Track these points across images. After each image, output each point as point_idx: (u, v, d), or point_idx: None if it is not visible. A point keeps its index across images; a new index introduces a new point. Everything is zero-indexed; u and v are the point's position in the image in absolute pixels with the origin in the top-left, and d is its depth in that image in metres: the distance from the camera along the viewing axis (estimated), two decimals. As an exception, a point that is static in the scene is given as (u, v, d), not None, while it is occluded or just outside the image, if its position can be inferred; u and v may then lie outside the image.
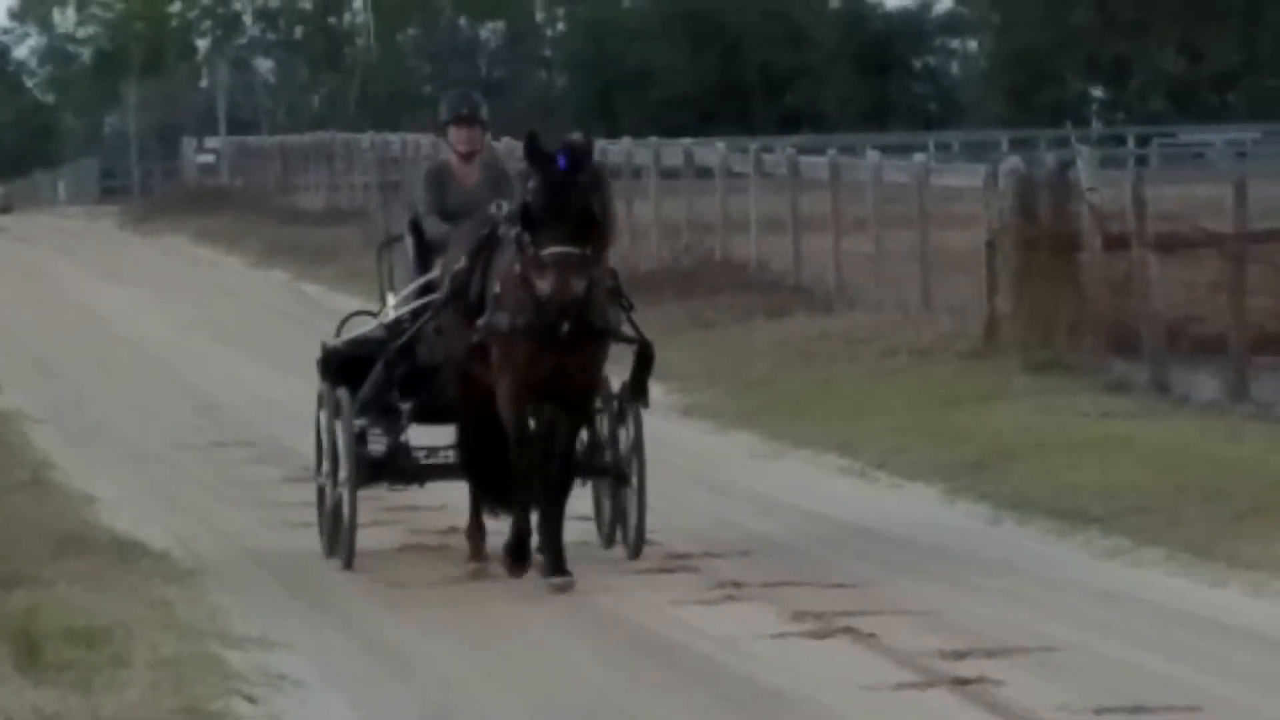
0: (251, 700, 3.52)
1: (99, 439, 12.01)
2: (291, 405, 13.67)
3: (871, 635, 4.55)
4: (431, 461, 6.14)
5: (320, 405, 6.17)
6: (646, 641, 4.61)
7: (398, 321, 5.92)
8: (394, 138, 36.25)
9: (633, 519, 5.67)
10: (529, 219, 4.69)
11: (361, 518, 6.14)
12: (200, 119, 58.90)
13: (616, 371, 5.84)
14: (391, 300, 6.12)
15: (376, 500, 6.66)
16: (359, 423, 5.79)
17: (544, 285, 4.58)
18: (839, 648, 4.43)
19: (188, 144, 50.73)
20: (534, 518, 5.25)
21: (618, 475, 5.75)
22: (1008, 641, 4.32)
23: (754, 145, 22.28)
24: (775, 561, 6.09)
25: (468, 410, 5.52)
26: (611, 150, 20.97)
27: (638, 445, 5.69)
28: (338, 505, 5.80)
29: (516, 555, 5.20)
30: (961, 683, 3.67)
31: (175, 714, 3.01)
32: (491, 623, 5.05)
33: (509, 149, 16.14)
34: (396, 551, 6.58)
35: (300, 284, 26.41)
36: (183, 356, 18.24)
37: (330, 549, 5.96)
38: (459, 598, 5.46)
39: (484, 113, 5.87)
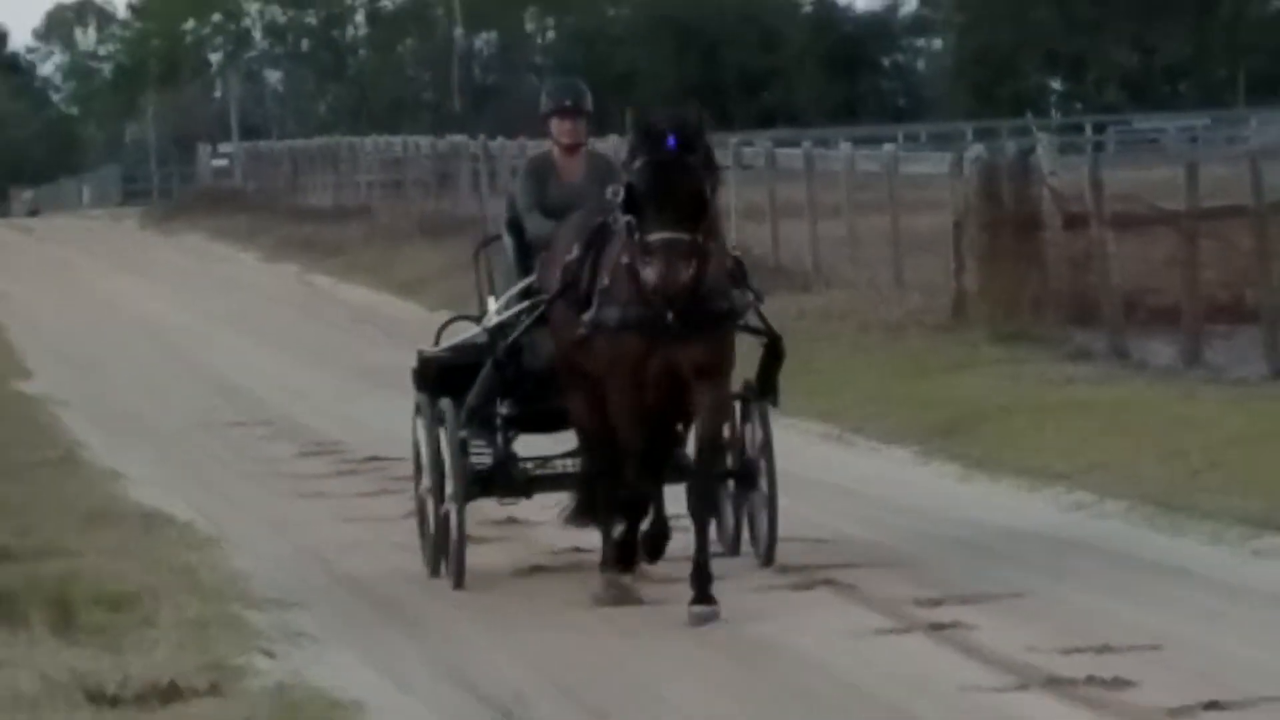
0: (271, 655, 3.52)
1: (124, 421, 11.99)
2: (303, 387, 13.67)
3: (851, 586, 4.56)
4: (542, 472, 5.33)
5: (418, 415, 5.33)
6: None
7: (501, 326, 5.04)
8: (395, 140, 36.68)
9: (763, 526, 4.94)
10: (633, 202, 3.98)
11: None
12: (214, 127, 58.90)
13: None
14: (493, 305, 5.28)
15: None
16: (462, 434, 5.00)
17: (650, 273, 3.86)
18: (821, 598, 4.44)
19: (203, 150, 50.44)
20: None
21: (745, 478, 5.04)
22: (980, 590, 4.32)
23: (733, 140, 22.12)
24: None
25: (589, 415, 4.61)
26: (600, 147, 20.79)
27: (767, 446, 4.98)
28: (444, 521, 4.96)
29: (653, 550, 4.49)
30: (936, 628, 3.68)
31: (200, 670, 3.03)
32: (493, 587, 5.03)
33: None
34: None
35: (310, 276, 26.34)
36: (201, 343, 18.18)
37: (435, 567, 5.10)
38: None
39: (589, 103, 5.14)
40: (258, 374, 15.05)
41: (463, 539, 4.88)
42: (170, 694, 2.71)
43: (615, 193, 4.30)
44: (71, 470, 8.54)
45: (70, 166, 67.94)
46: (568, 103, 5.02)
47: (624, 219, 4.05)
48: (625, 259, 4.12)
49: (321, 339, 18.30)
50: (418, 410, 5.34)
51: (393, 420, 7.34)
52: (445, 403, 5.04)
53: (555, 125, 5.02)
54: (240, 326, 19.61)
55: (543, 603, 4.66)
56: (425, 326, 8.98)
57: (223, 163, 50.51)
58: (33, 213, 53.95)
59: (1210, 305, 11.20)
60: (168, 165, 60.21)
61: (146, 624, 3.77)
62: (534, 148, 8.88)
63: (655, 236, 3.86)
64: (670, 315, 4.01)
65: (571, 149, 5.03)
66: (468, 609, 4.60)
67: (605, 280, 4.23)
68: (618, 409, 4.30)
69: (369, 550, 6.01)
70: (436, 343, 5.64)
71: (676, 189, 3.95)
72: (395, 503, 6.76)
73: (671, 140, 4.02)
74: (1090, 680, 2.74)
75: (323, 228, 31.13)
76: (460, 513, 4.85)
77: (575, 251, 4.43)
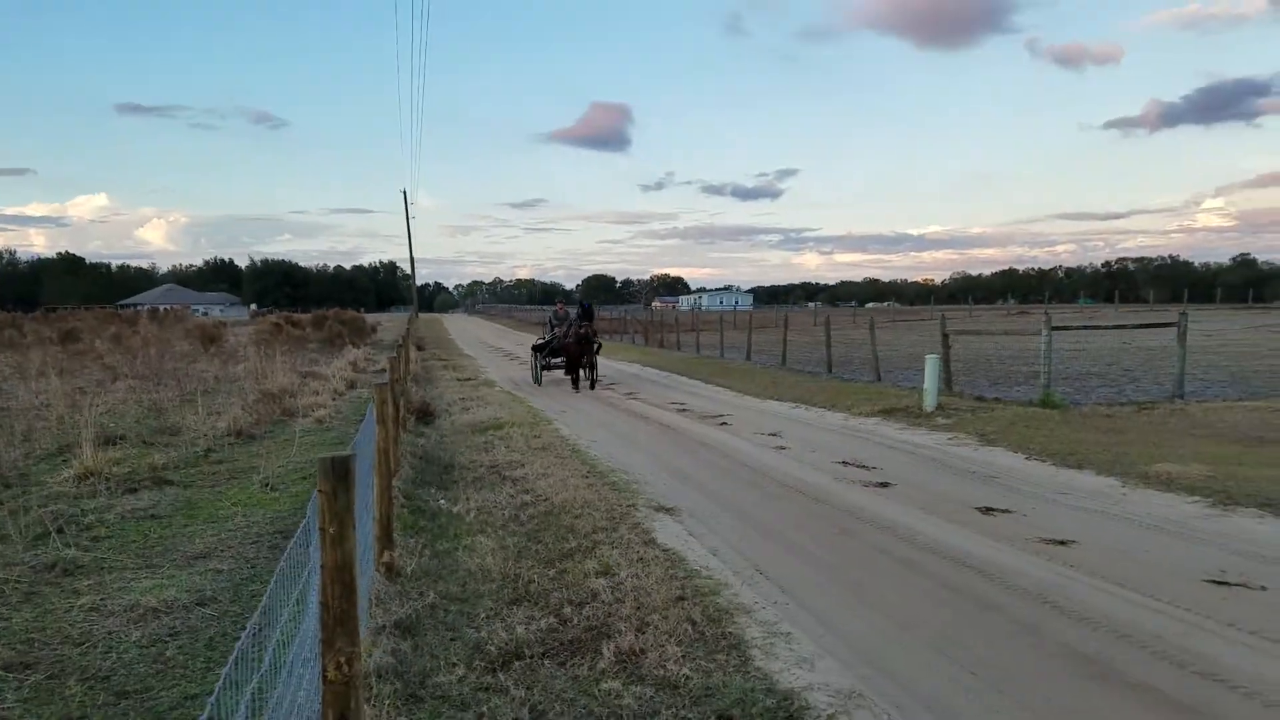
0: (550, 421, 13.18)
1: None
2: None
3: (727, 424, 14.41)
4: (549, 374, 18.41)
5: (532, 359, 19.53)
6: (645, 418, 14.27)
7: (547, 341, 18.71)
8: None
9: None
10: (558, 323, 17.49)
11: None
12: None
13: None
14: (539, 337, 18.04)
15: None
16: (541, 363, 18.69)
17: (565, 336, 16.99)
18: (719, 427, 14.19)
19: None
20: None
21: (594, 366, 19.60)
22: (780, 433, 14.11)
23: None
24: (704, 404, 15.90)
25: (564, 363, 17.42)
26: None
27: (595, 360, 18.90)
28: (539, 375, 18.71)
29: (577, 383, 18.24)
30: (772, 436, 13.54)
31: (532, 441, 12.62)
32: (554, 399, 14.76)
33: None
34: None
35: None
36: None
37: (537, 380, 19.18)
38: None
39: (573, 300, 17.05)
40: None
41: (539, 378, 17.99)
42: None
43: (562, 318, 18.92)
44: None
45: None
46: (561, 299, 18.04)
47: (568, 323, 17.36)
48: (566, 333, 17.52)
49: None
50: (533, 358, 18.21)
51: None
52: (536, 356, 18.11)
53: (559, 305, 18.43)
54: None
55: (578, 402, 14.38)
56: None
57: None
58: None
59: None
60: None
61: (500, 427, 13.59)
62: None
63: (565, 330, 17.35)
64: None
65: (563, 310, 18.90)
66: (563, 414, 14.31)
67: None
68: (566, 358, 18.14)
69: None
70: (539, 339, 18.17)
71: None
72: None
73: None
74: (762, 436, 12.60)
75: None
76: (538, 375, 17.98)
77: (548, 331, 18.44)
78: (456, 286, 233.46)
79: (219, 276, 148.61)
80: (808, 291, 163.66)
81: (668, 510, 7.76)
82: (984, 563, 6.08)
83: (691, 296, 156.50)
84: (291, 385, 16.22)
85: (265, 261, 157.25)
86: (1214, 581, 5.54)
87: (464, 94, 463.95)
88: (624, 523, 7.24)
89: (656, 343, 38.80)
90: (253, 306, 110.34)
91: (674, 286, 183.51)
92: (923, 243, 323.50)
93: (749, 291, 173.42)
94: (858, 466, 9.81)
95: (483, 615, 5.12)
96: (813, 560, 6.29)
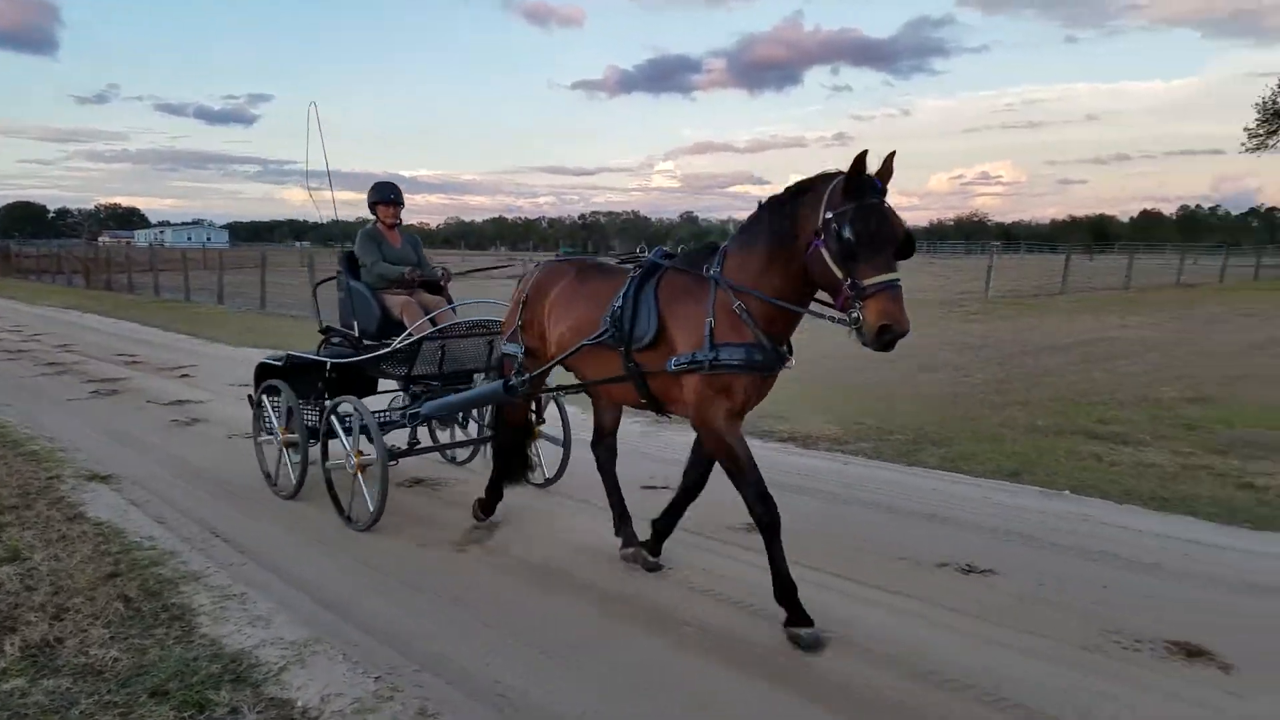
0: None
1: None
2: None
3: (190, 376, 13.05)
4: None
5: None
6: (81, 373, 12.39)
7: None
8: None
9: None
10: (846, 245, 3.60)
11: None
12: None
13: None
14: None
15: None
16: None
17: (873, 315, 3.51)
18: (179, 380, 12.77)
19: None
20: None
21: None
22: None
23: None
24: (162, 355, 14.12)
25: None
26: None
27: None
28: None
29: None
30: (245, 387, 12.40)
31: None
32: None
33: None
34: None
35: None
36: None
37: None
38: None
39: (402, 197, 6.79)
40: None
41: None
42: None
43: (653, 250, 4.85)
44: None
45: None
46: (390, 196, 6.75)
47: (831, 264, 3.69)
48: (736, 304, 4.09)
49: None
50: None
51: None
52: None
53: (380, 210, 6.74)
54: None
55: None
56: None
57: None
58: None
59: None
60: None
61: None
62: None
63: (875, 280, 3.54)
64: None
65: (391, 226, 6.80)
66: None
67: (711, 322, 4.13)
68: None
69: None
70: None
71: (895, 232, 3.63)
72: None
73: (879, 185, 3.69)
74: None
75: None
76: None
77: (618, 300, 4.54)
78: None
79: None
80: (295, 229, 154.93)
81: (103, 479, 6.91)
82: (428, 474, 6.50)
83: (151, 231, 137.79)
84: None
85: None
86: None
87: None
88: (43, 498, 6.29)
89: (103, 284, 33.79)
90: None
91: (128, 219, 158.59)
92: (416, 185, 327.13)
93: (225, 228, 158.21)
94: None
95: None
96: (275, 513, 6.14)
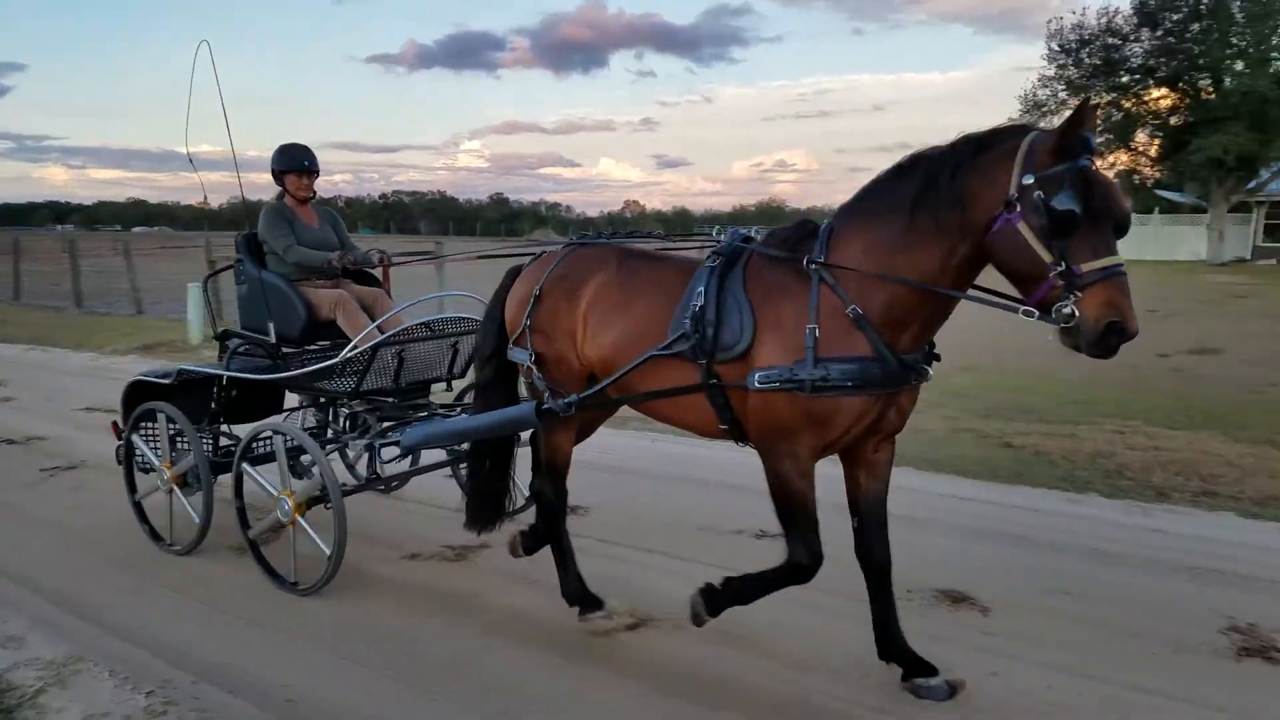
0: None
1: None
2: None
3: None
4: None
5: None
6: None
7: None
8: None
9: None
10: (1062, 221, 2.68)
11: None
12: None
13: None
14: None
15: None
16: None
17: (1097, 311, 2.65)
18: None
19: None
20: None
21: None
22: (5, 381, 11.64)
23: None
24: None
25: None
26: None
27: None
28: None
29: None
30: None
31: None
32: None
33: None
34: None
35: None
36: None
37: None
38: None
39: (317, 164, 5.52)
40: None
41: None
42: None
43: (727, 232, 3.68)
44: None
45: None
46: (304, 163, 5.42)
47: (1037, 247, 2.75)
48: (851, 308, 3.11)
49: None
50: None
51: None
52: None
53: (290, 181, 5.42)
54: None
55: None
56: None
57: None
58: None
59: None
60: None
61: None
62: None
63: (1095, 264, 2.68)
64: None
65: (304, 200, 5.52)
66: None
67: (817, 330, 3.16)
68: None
69: None
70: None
71: (1121, 206, 2.76)
72: None
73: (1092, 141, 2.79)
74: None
75: None
76: None
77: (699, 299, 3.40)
78: None
79: None
80: (57, 212, 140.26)
81: None
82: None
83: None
84: None
85: None
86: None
87: None
88: None
89: None
90: None
91: None
92: (196, 163, 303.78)
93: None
94: (105, 411, 8.96)
95: None
96: (38, 525, 5.59)
